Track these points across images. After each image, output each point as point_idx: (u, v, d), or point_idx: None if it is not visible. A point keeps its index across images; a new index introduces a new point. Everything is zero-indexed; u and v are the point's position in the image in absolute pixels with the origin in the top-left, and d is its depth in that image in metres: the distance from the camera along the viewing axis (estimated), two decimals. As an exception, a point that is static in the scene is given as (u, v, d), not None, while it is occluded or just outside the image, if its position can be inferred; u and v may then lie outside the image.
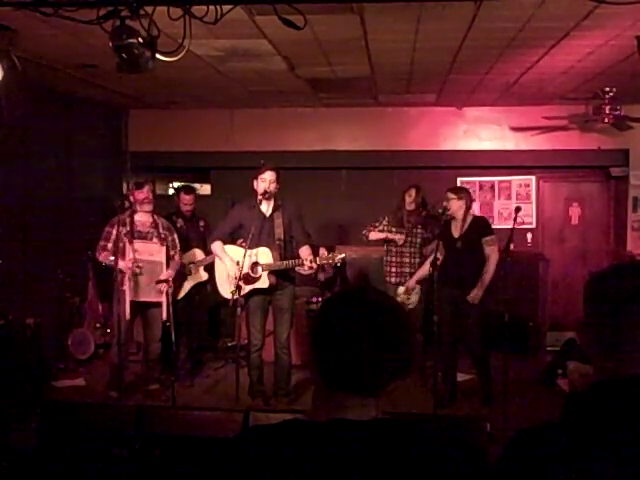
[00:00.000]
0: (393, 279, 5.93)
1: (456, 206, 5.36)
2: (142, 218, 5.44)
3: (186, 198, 6.27)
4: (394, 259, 5.93)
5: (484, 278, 5.25)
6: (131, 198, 5.49)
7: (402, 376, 1.32)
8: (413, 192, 5.88)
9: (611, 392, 1.26)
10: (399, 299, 5.65)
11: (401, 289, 5.81)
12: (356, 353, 1.28)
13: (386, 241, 5.99)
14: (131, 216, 5.39)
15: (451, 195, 5.41)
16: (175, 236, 5.64)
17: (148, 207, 5.44)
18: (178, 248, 5.65)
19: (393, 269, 5.94)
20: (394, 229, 5.92)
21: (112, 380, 5.39)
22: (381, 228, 5.97)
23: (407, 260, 5.89)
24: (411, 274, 5.87)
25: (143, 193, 5.41)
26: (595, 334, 1.34)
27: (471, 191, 8.04)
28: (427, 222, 5.92)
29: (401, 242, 5.85)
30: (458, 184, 8.10)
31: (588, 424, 1.22)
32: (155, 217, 5.54)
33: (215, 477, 1.39)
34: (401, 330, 1.32)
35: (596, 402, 1.25)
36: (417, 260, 5.90)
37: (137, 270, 5.27)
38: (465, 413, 5.20)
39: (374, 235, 5.99)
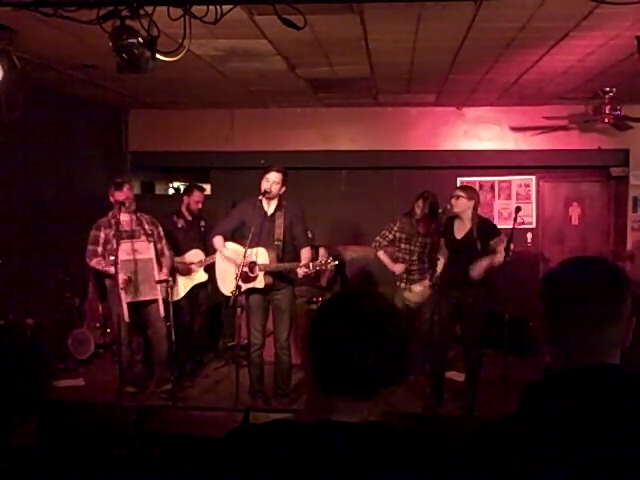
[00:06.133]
0: (403, 284, 5.97)
1: (464, 205, 5.17)
2: (126, 217, 5.43)
3: (200, 195, 6.36)
4: (403, 264, 5.99)
5: (493, 257, 5.02)
6: (111, 199, 5.44)
7: (397, 382, 1.31)
8: (421, 203, 5.87)
9: (562, 384, 1.31)
10: (418, 298, 5.69)
11: (418, 287, 5.77)
12: (352, 356, 1.27)
13: (396, 247, 6.03)
14: (115, 217, 5.36)
15: (461, 193, 5.22)
16: (160, 229, 5.64)
17: (131, 207, 5.43)
18: (164, 240, 5.64)
19: (404, 274, 5.98)
20: (403, 236, 5.95)
21: (126, 376, 5.37)
22: (393, 234, 6.00)
23: (415, 267, 5.95)
24: (420, 279, 5.89)
25: (123, 193, 5.39)
26: (547, 329, 1.40)
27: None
28: (433, 232, 5.93)
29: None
30: (458, 184, 8.11)
31: (541, 414, 1.28)
32: (138, 214, 5.53)
33: (200, 477, 1.40)
34: (399, 336, 1.32)
35: (548, 394, 1.31)
36: (425, 265, 5.94)
37: (130, 276, 5.27)
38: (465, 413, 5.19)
39: (382, 256, 6.02)
